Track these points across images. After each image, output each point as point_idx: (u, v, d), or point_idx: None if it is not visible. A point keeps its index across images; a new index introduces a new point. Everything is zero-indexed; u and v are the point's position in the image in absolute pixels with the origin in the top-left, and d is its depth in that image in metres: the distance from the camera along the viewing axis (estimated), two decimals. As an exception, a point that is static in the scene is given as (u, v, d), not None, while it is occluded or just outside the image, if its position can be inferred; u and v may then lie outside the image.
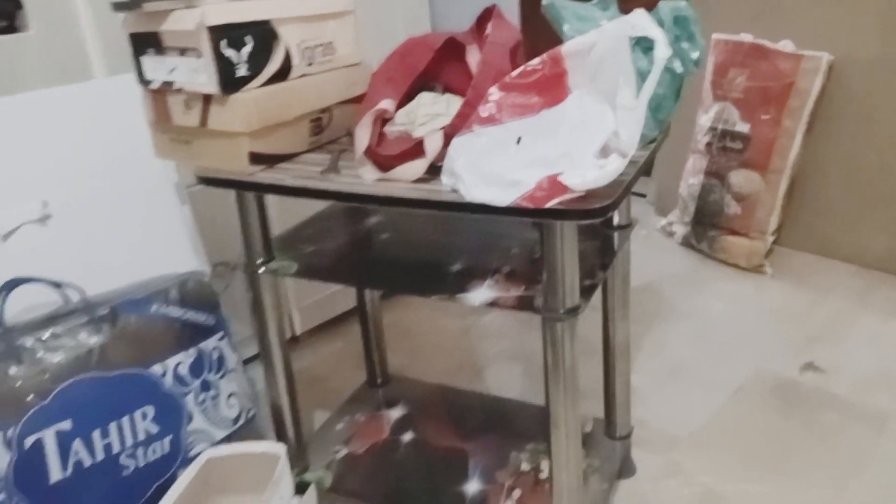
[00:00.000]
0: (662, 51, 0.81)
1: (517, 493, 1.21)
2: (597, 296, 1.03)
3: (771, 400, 1.54)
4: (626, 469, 1.35)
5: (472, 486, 1.23)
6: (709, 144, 2.15)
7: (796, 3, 2.00)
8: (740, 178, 2.09)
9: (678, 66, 1.00)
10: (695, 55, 1.01)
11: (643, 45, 0.94)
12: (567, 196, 0.80)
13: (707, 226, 2.17)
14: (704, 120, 2.16)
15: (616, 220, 1.17)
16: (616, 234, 1.17)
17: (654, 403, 1.54)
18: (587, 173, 0.79)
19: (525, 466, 1.27)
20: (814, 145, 2.01)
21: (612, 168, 0.79)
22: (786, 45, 1.99)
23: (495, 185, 0.84)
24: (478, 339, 1.86)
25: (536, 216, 0.84)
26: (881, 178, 1.93)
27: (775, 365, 1.64)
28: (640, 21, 0.85)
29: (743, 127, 2.06)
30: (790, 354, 1.67)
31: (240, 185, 1.03)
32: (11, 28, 1.33)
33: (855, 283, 1.95)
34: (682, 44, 1.00)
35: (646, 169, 1.01)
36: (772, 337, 1.77)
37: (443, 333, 1.89)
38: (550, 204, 0.80)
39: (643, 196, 2.53)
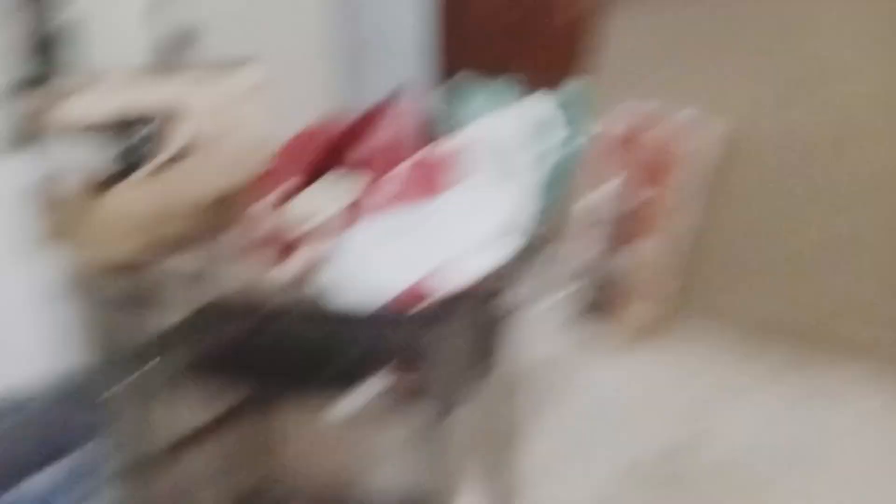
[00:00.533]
0: (555, 135, 0.85)
1: None
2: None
3: (660, 472, 1.54)
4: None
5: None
6: (604, 216, 2.23)
7: (698, 74, 2.15)
8: (635, 248, 2.18)
9: (571, 146, 1.04)
10: (585, 136, 1.06)
11: (540, 129, 0.97)
12: (452, 288, 0.80)
13: (602, 295, 2.24)
14: (601, 191, 2.25)
15: (504, 305, 1.16)
16: (504, 319, 1.16)
17: (546, 486, 1.49)
18: (475, 261, 0.80)
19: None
20: (707, 214, 2.12)
21: (500, 253, 0.80)
22: (684, 116, 2.11)
23: (378, 281, 0.82)
24: (364, 432, 1.77)
25: (417, 314, 0.82)
26: (768, 246, 2.05)
27: (664, 435, 1.66)
28: (536, 107, 0.89)
29: (638, 197, 2.16)
30: (678, 424, 1.70)
31: (113, 286, 0.97)
32: None
33: (742, 349, 2.03)
34: (576, 124, 1.05)
35: (544, 243, 1.03)
36: (661, 407, 1.79)
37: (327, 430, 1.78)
38: (433, 299, 0.80)
39: (541, 269, 2.57)
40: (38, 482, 1.06)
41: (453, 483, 0.93)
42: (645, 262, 2.16)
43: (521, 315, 1.20)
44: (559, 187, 1.04)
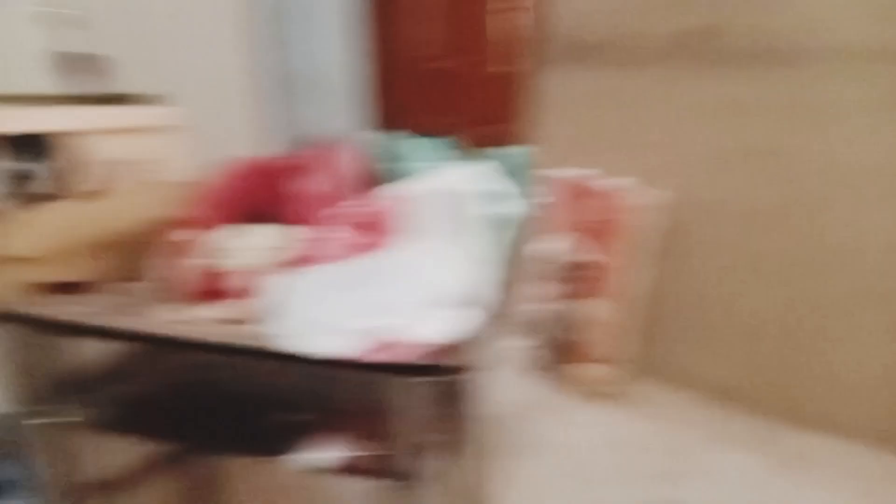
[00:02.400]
0: (501, 196, 0.78)
1: None
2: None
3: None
4: None
5: None
6: (557, 273, 2.18)
7: (641, 144, 2.13)
8: (588, 307, 2.12)
9: (516, 208, 0.98)
10: (529, 198, 0.99)
11: (487, 190, 0.91)
12: (407, 350, 0.72)
13: (559, 353, 2.17)
14: (553, 250, 2.20)
15: (462, 363, 1.10)
16: (464, 379, 1.09)
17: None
18: (430, 327, 0.72)
19: None
20: (662, 276, 2.10)
21: (456, 323, 0.72)
22: (623, 184, 2.09)
23: (328, 332, 0.74)
24: (324, 481, 1.67)
25: (378, 370, 0.74)
26: (723, 310, 2.04)
27: (625, 497, 1.60)
28: (481, 167, 0.83)
29: (589, 257, 2.12)
30: (640, 486, 1.65)
31: (17, 319, 0.86)
32: None
33: (702, 413, 1.99)
34: (520, 188, 0.99)
35: (500, 301, 0.95)
36: (622, 469, 1.74)
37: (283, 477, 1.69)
38: (390, 357, 0.72)
39: (496, 328, 2.51)
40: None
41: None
42: (597, 323, 2.11)
43: (479, 373, 1.12)
44: (508, 247, 0.97)
